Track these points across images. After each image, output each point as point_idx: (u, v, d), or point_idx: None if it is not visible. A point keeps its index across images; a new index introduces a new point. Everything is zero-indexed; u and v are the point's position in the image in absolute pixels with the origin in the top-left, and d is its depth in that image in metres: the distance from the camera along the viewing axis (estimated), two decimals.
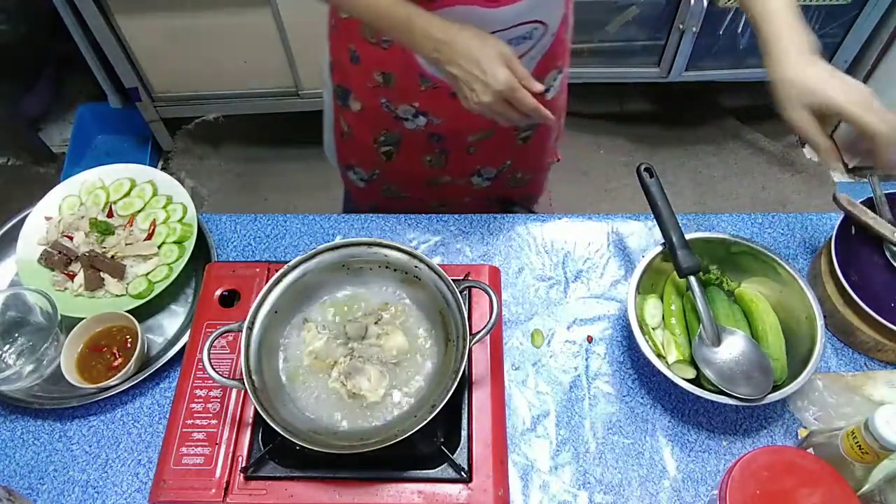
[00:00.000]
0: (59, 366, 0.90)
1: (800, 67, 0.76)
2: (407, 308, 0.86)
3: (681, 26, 2.04)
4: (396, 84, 0.97)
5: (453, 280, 0.81)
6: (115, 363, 0.92)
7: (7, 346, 0.95)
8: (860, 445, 0.67)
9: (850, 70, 2.23)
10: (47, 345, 0.90)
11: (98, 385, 0.89)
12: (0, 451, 0.89)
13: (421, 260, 0.83)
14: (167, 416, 0.90)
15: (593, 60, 2.21)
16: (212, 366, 0.75)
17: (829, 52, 2.18)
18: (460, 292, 0.80)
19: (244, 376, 0.75)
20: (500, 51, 0.81)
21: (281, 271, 0.83)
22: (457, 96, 0.95)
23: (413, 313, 0.86)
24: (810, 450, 0.75)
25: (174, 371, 0.94)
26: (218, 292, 0.93)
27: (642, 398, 0.92)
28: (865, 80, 2.23)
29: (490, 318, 0.78)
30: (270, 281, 0.82)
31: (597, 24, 2.08)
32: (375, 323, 0.85)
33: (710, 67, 2.22)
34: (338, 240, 0.86)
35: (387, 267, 0.86)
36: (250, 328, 0.79)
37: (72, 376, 0.89)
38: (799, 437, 0.87)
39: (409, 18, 0.81)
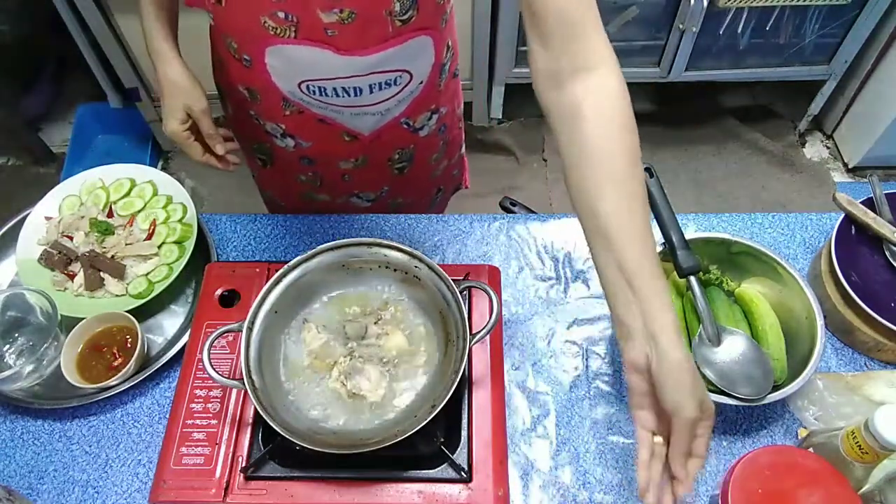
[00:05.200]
0: (59, 366, 0.90)
1: (678, 351, 0.63)
2: (407, 308, 0.86)
3: (681, 26, 2.03)
4: (261, 102, 0.96)
5: (453, 280, 0.81)
6: (115, 363, 0.92)
7: (7, 346, 0.95)
8: (860, 445, 0.67)
9: (850, 70, 2.23)
10: (47, 345, 0.90)
11: (98, 385, 0.89)
12: (0, 451, 0.89)
13: (421, 260, 0.83)
14: (167, 416, 0.90)
15: None
16: (212, 366, 0.75)
17: (829, 52, 2.18)
18: (460, 292, 0.80)
19: (244, 376, 0.75)
20: (185, 104, 0.90)
21: (281, 271, 0.83)
22: (323, 122, 0.97)
23: (413, 313, 0.86)
24: (810, 450, 0.75)
25: (174, 371, 0.94)
26: (218, 292, 0.93)
27: None
28: (865, 80, 2.23)
29: (490, 318, 0.78)
30: (270, 281, 0.82)
31: None
32: (375, 323, 0.85)
33: (710, 67, 2.22)
34: (338, 240, 0.86)
35: (387, 267, 0.86)
36: (250, 328, 0.79)
37: (72, 376, 0.89)
38: (799, 437, 0.87)
39: (151, 51, 0.91)
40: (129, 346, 0.93)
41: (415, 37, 0.86)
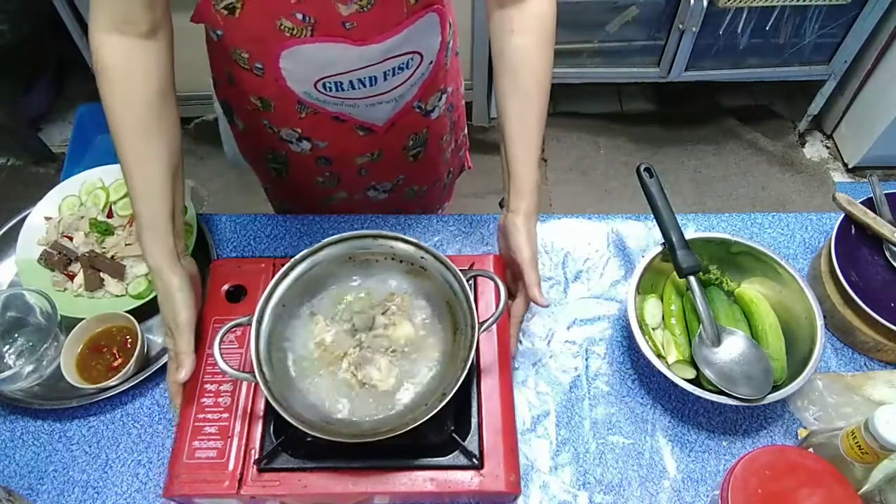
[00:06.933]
0: (59, 366, 0.90)
1: (516, 226, 0.87)
2: (414, 298, 0.87)
3: (681, 26, 2.04)
4: (275, 109, 0.96)
5: (459, 270, 0.82)
6: (115, 363, 0.92)
7: (7, 347, 0.95)
8: (860, 445, 0.67)
9: (850, 70, 2.23)
10: (47, 345, 0.90)
11: (98, 385, 0.89)
12: (0, 451, 0.89)
13: (427, 251, 0.84)
14: (167, 416, 0.90)
15: (593, 60, 2.21)
16: (223, 359, 0.75)
17: (828, 52, 2.18)
18: (466, 281, 0.80)
19: (255, 369, 0.76)
20: (167, 316, 0.83)
21: (288, 265, 0.83)
22: (339, 120, 0.97)
23: (420, 304, 0.86)
24: (810, 450, 0.75)
25: None
26: (224, 288, 0.93)
27: (642, 398, 0.92)
28: (865, 80, 2.23)
29: (498, 306, 0.78)
30: (278, 274, 0.82)
31: (597, 24, 2.08)
32: (383, 314, 0.85)
33: (710, 67, 2.22)
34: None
35: (393, 258, 0.86)
36: (259, 322, 0.79)
37: (72, 376, 0.89)
38: (799, 437, 0.87)
39: (148, 266, 0.83)
40: (128, 346, 0.93)
41: (424, 15, 0.87)
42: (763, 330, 0.90)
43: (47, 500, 0.85)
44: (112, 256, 1.01)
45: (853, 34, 2.10)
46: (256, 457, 0.79)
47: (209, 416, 0.83)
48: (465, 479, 0.77)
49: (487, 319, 0.78)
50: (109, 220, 1.05)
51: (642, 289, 0.94)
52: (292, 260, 0.83)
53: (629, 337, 0.96)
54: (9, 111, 2.30)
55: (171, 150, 0.84)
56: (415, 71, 0.94)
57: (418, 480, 0.77)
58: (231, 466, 0.79)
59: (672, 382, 0.84)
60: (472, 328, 0.77)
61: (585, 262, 1.05)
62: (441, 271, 0.83)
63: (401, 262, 0.86)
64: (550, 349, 0.96)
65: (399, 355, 0.83)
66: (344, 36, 0.83)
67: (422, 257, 0.84)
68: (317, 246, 0.84)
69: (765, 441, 0.88)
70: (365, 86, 0.91)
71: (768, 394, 0.82)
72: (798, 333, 0.89)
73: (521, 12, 0.85)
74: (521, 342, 0.97)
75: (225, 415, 0.83)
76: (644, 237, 1.07)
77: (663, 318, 0.95)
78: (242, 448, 0.80)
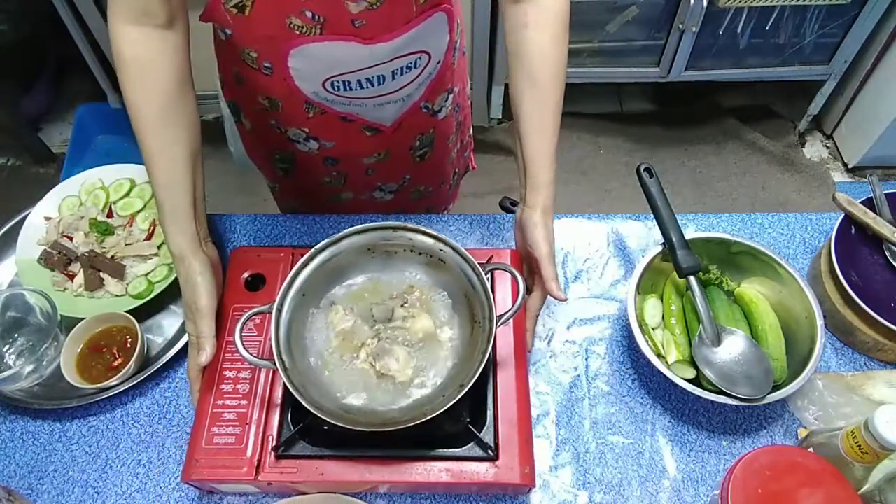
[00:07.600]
0: (59, 366, 0.90)
1: (533, 221, 0.87)
2: (433, 291, 0.87)
3: (681, 26, 2.04)
4: (283, 109, 0.96)
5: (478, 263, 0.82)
6: (115, 363, 0.92)
7: (7, 347, 0.95)
8: (860, 445, 0.67)
9: (850, 70, 2.23)
10: (47, 345, 0.90)
11: (98, 385, 0.89)
12: (0, 451, 0.89)
13: (446, 243, 0.84)
14: (167, 416, 0.91)
15: (593, 60, 2.21)
16: (244, 347, 0.75)
17: (828, 52, 2.18)
18: (485, 275, 0.81)
19: (275, 356, 0.76)
20: (188, 300, 0.84)
21: (308, 254, 0.83)
22: (346, 120, 0.97)
23: (439, 296, 0.87)
24: (810, 450, 0.75)
25: (174, 371, 0.94)
26: (244, 276, 0.93)
27: (642, 398, 0.92)
28: (865, 80, 2.23)
29: (515, 300, 0.78)
30: (299, 263, 0.83)
31: (597, 24, 2.08)
32: (402, 306, 0.85)
33: (710, 67, 2.22)
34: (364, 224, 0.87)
35: (412, 250, 0.87)
36: (279, 310, 0.80)
37: (72, 376, 0.89)
38: (799, 437, 0.87)
39: (170, 251, 0.85)
40: (128, 346, 0.93)
41: (432, 14, 0.87)
42: (763, 330, 0.90)
43: (47, 500, 0.85)
44: (112, 256, 1.02)
45: (853, 34, 2.09)
46: (274, 444, 0.80)
47: (228, 402, 0.83)
48: (481, 471, 0.78)
49: (505, 313, 0.79)
50: (109, 220, 1.05)
51: (642, 289, 0.94)
52: (313, 249, 0.84)
53: (629, 337, 0.96)
54: (9, 111, 2.30)
55: (192, 138, 0.86)
56: (423, 70, 0.94)
57: (433, 470, 0.78)
58: (249, 453, 0.80)
59: (672, 382, 0.84)
60: (490, 321, 0.78)
61: (585, 262, 1.05)
62: (460, 264, 0.83)
63: (420, 254, 0.87)
64: (550, 349, 0.96)
65: (417, 347, 0.83)
66: (353, 34, 0.83)
67: (441, 250, 0.85)
68: (337, 236, 0.85)
69: (765, 441, 0.88)
70: (373, 85, 0.91)
71: (768, 394, 0.82)
72: (798, 333, 0.89)
73: (536, 6, 0.84)
74: (539, 337, 0.97)
75: (243, 402, 0.83)
76: (644, 237, 1.07)
77: (663, 318, 0.95)
78: (260, 435, 0.81)
